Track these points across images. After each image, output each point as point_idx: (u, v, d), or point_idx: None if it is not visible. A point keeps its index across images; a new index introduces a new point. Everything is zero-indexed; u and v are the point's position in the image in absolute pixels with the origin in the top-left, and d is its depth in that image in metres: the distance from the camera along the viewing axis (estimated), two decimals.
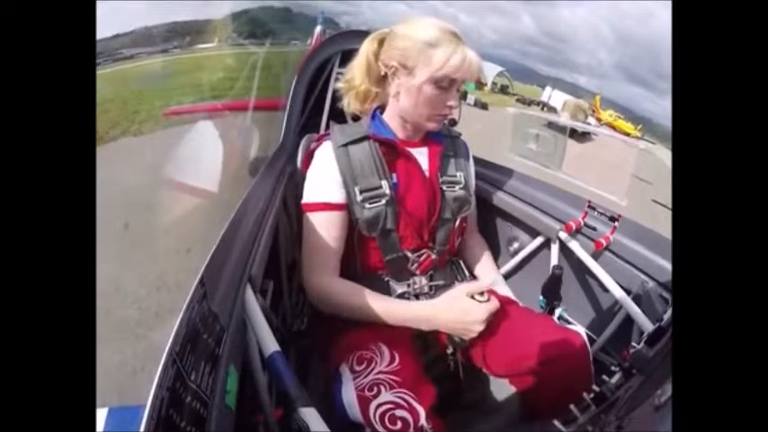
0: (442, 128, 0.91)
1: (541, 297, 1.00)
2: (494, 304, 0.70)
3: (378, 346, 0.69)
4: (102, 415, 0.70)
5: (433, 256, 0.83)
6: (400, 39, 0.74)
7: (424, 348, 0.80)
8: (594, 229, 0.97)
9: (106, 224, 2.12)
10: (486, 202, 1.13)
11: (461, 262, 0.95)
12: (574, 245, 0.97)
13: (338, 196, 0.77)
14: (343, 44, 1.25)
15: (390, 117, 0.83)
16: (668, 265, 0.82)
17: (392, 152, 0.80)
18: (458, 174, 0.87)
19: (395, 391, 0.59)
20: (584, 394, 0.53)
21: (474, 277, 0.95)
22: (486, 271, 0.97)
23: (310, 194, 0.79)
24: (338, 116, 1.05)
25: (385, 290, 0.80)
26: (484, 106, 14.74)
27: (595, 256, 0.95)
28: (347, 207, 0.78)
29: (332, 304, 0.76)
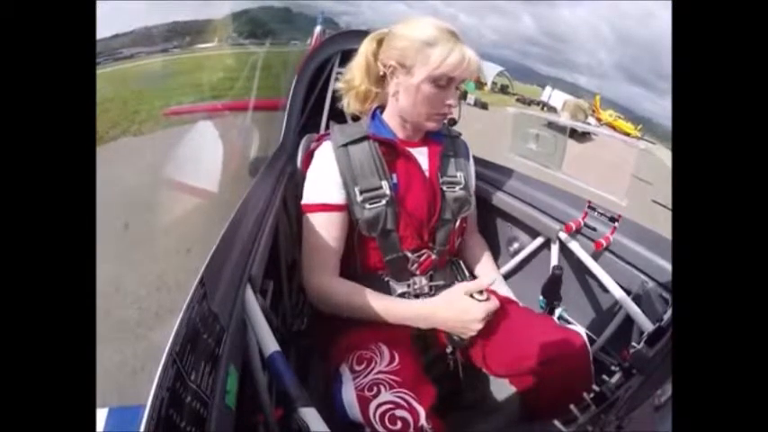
0: (442, 128, 0.91)
1: (541, 297, 1.00)
2: (493, 304, 0.70)
3: (378, 346, 0.69)
4: (102, 415, 0.70)
5: (433, 257, 0.83)
6: (398, 38, 0.74)
7: (424, 348, 0.80)
8: (594, 229, 0.97)
9: (106, 224, 2.12)
10: (486, 202, 1.13)
11: (461, 262, 0.95)
12: (574, 245, 0.97)
13: (338, 197, 0.77)
14: (343, 44, 1.25)
15: (390, 117, 0.83)
16: (668, 265, 0.82)
17: (392, 152, 0.80)
18: (458, 174, 0.87)
19: (395, 390, 0.59)
20: (584, 394, 0.53)
21: (474, 277, 0.95)
22: (486, 271, 0.97)
23: (310, 195, 0.79)
24: (338, 116, 1.05)
25: (385, 290, 0.80)
26: (484, 106, 14.74)
27: (595, 256, 0.94)
28: (347, 207, 0.77)
29: (331, 304, 0.76)
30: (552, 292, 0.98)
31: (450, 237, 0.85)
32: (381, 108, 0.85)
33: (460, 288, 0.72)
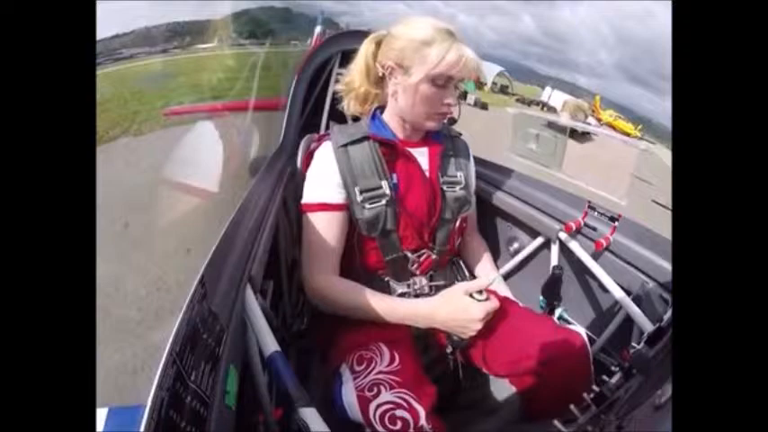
0: (443, 128, 0.91)
1: (541, 297, 1.00)
2: (492, 303, 0.70)
3: (378, 347, 0.69)
4: (102, 415, 0.70)
5: (434, 257, 0.83)
6: (396, 39, 0.74)
7: (425, 348, 0.80)
8: (594, 229, 0.97)
9: (106, 224, 2.12)
10: (486, 202, 1.13)
11: (461, 262, 0.95)
12: (574, 245, 0.97)
13: (338, 197, 0.77)
14: (343, 44, 1.25)
15: (390, 117, 0.83)
16: (668, 265, 0.82)
17: (392, 152, 0.80)
18: (458, 174, 0.87)
19: (395, 391, 0.59)
20: (584, 394, 0.53)
21: (474, 277, 0.95)
22: (486, 271, 0.97)
23: (310, 195, 0.79)
24: (338, 116, 1.05)
25: (385, 290, 0.80)
26: (484, 106, 14.74)
27: (595, 256, 0.94)
28: (347, 207, 0.78)
29: (331, 303, 0.76)
30: (552, 292, 0.98)
31: (450, 237, 0.85)
32: (382, 108, 0.85)
33: (460, 288, 0.72)
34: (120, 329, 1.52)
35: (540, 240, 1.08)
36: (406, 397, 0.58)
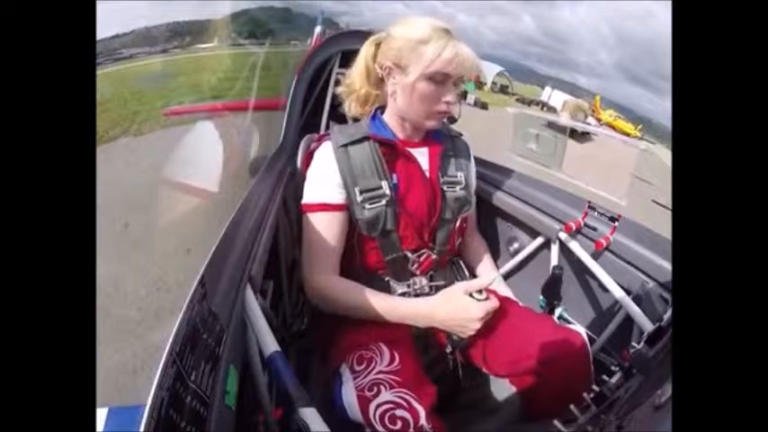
0: (443, 128, 0.91)
1: (541, 297, 1.00)
2: (492, 303, 0.70)
3: (378, 346, 0.69)
4: (102, 415, 0.70)
5: (434, 257, 0.83)
6: (394, 39, 0.75)
7: (425, 348, 0.80)
8: (594, 229, 0.97)
9: (106, 224, 2.12)
10: (486, 202, 1.13)
11: (461, 262, 0.95)
12: (574, 245, 0.97)
13: (338, 197, 0.77)
14: (343, 44, 1.25)
15: (390, 117, 0.83)
16: (668, 265, 0.82)
17: (392, 152, 0.80)
18: (458, 174, 0.87)
19: (395, 390, 0.59)
20: (584, 394, 0.53)
21: (474, 277, 0.95)
22: (486, 271, 0.97)
23: (310, 195, 0.79)
24: (338, 116, 1.05)
25: (385, 290, 0.80)
26: (484, 106, 14.74)
27: (595, 256, 0.94)
28: (347, 208, 0.78)
29: (331, 302, 0.76)
30: (552, 292, 0.98)
31: (450, 237, 0.85)
32: (382, 108, 0.85)
33: (460, 287, 0.72)
34: (120, 329, 1.52)
35: (540, 240, 1.08)
36: (406, 397, 0.58)
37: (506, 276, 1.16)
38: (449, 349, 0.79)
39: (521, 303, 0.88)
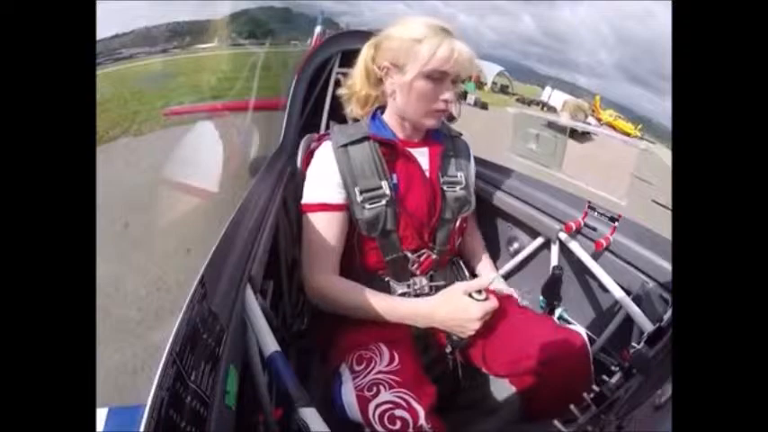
0: (443, 128, 0.91)
1: (541, 297, 1.00)
2: (491, 303, 0.70)
3: (377, 346, 0.69)
4: (102, 415, 0.70)
5: (434, 257, 0.83)
6: (391, 40, 0.75)
7: (424, 348, 0.80)
8: (594, 229, 0.97)
9: (106, 224, 2.12)
10: (486, 202, 1.13)
11: (461, 262, 0.95)
12: (574, 245, 0.97)
13: (338, 197, 0.77)
14: (343, 44, 1.25)
15: (389, 117, 0.83)
16: (668, 265, 0.82)
17: (392, 152, 0.80)
18: (458, 174, 0.87)
19: (394, 390, 0.59)
20: (585, 394, 0.53)
21: (474, 277, 0.95)
22: (486, 271, 0.97)
23: (310, 195, 0.79)
24: (338, 116, 1.05)
25: (385, 290, 0.80)
26: (484, 106, 14.74)
27: (595, 256, 0.94)
28: (347, 208, 0.78)
29: (331, 302, 0.76)
30: (552, 291, 0.98)
31: (450, 237, 0.85)
32: (382, 109, 0.85)
33: (459, 287, 0.72)
34: (120, 329, 1.52)
35: (540, 240, 1.08)
36: (406, 397, 0.58)
37: (506, 276, 1.16)
38: (448, 349, 0.79)
39: (520, 303, 0.87)
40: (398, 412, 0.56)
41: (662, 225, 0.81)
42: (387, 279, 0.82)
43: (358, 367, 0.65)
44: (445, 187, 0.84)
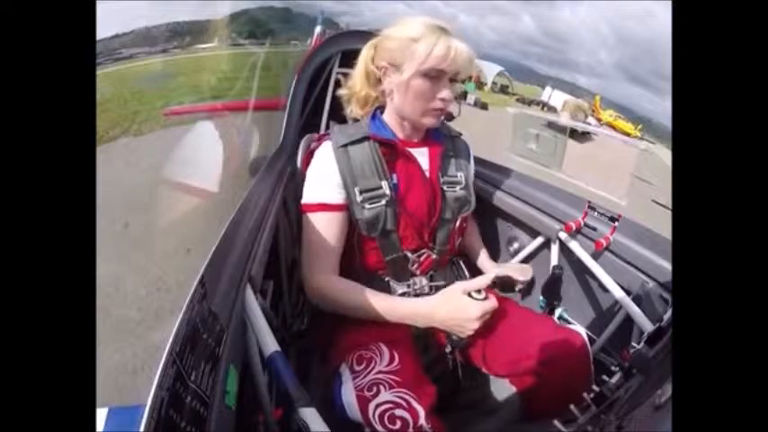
0: (443, 128, 0.91)
1: (541, 297, 1.00)
2: (491, 303, 0.70)
3: (377, 346, 0.69)
4: (102, 415, 0.70)
5: (434, 257, 0.83)
6: (389, 39, 0.75)
7: (424, 348, 0.80)
8: (594, 229, 0.97)
9: (106, 224, 2.12)
10: (486, 202, 1.13)
11: (462, 262, 0.95)
12: (574, 245, 0.97)
13: (338, 197, 0.77)
14: (343, 44, 1.25)
15: (389, 117, 0.83)
16: (668, 265, 0.82)
17: (392, 152, 0.80)
18: (458, 174, 0.87)
19: (394, 390, 0.59)
20: (585, 394, 0.53)
21: (474, 277, 0.95)
22: (487, 265, 0.97)
23: (310, 195, 0.79)
24: (338, 116, 1.05)
25: (385, 290, 0.80)
26: (484, 106, 14.73)
27: (595, 256, 0.94)
28: (347, 208, 0.78)
29: (331, 302, 0.76)
30: (552, 291, 0.98)
31: (450, 237, 0.85)
32: (382, 109, 0.85)
33: (459, 287, 0.72)
34: (120, 329, 1.52)
35: (540, 240, 1.08)
36: (406, 397, 0.58)
37: None
38: (448, 349, 0.79)
39: (521, 303, 0.88)
40: (398, 412, 0.56)
41: (662, 225, 0.81)
42: (387, 279, 0.82)
43: (358, 367, 0.65)
44: (445, 187, 0.84)
